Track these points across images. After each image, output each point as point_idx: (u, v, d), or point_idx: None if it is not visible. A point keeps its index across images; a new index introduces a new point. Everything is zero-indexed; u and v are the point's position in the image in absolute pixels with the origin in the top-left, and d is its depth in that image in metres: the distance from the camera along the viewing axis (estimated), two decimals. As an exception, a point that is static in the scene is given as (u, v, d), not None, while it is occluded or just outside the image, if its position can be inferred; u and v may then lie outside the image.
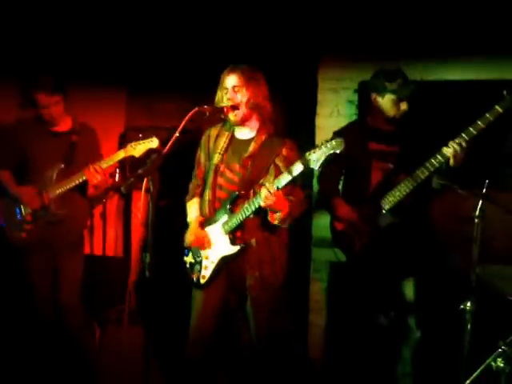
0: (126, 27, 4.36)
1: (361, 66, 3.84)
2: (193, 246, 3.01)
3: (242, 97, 2.87)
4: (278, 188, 2.69)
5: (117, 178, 4.67)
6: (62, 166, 3.42)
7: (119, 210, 4.98)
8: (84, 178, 3.35)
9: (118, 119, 4.92)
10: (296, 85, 4.12)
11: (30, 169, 3.48)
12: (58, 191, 3.40)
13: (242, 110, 2.88)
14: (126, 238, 4.97)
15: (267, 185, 2.71)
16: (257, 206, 2.76)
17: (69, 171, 3.42)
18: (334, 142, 2.59)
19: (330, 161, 2.61)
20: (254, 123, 2.96)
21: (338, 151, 2.58)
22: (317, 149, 2.60)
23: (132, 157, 3.35)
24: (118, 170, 4.64)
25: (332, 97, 4.05)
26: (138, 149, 3.32)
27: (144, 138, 3.32)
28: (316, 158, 2.60)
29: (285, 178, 2.69)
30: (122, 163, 4.52)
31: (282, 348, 3.06)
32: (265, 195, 2.70)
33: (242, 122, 2.93)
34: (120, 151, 3.37)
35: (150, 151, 3.40)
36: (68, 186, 3.39)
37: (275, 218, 2.80)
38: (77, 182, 3.38)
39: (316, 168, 2.61)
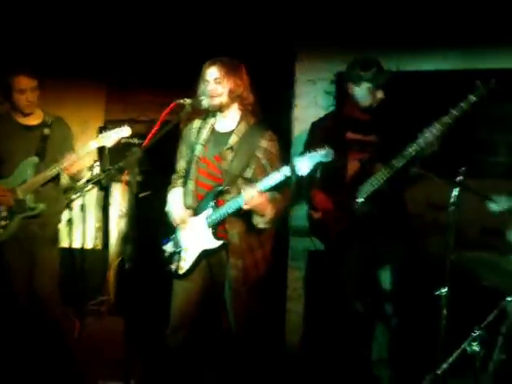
0: (104, 22, 4.33)
1: (337, 57, 3.88)
2: (180, 228, 3.01)
3: (223, 88, 2.89)
4: (261, 191, 2.72)
5: (96, 171, 4.66)
6: (37, 160, 3.40)
7: (98, 203, 4.97)
8: (57, 169, 3.34)
9: (98, 113, 4.91)
10: (273, 76, 4.13)
11: (0, 163, 3.45)
12: (33, 185, 3.38)
13: (222, 99, 2.90)
14: (105, 230, 4.96)
15: (250, 187, 2.74)
16: (240, 205, 2.79)
17: (41, 165, 3.40)
18: (323, 151, 2.64)
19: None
20: (236, 114, 2.98)
21: (326, 160, 2.63)
22: (305, 156, 2.65)
23: (106, 148, 3.36)
24: (96, 163, 4.64)
25: (309, 88, 4.08)
26: (109, 138, 3.32)
27: (117, 129, 3.33)
28: (303, 165, 2.63)
29: (268, 182, 2.72)
30: (101, 156, 4.51)
31: (261, 335, 3.09)
32: (247, 198, 2.74)
33: (222, 110, 2.95)
34: (91, 142, 3.36)
35: (132, 144, 3.40)
36: (43, 180, 3.38)
37: (259, 222, 2.84)
38: (51, 174, 3.37)
39: (303, 175, 2.64)
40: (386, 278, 3.30)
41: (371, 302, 3.36)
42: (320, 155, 2.65)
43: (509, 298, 2.66)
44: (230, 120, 2.98)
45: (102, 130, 3.49)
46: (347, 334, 3.32)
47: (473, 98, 2.96)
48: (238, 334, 2.99)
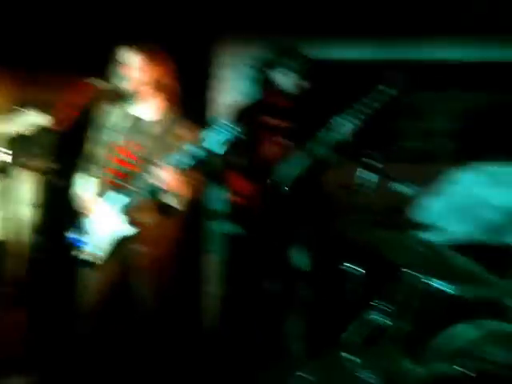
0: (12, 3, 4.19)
1: (258, 42, 3.92)
2: (85, 220, 2.98)
3: (146, 75, 2.88)
4: (173, 168, 2.73)
5: (3, 158, 4.50)
6: None
7: (3, 191, 4.80)
8: None
9: (6, 96, 4.74)
10: (193, 60, 4.13)
11: None
12: None
13: (142, 88, 2.89)
14: (12, 220, 4.79)
15: (161, 164, 2.74)
16: (153, 186, 2.79)
17: None
18: (231, 126, 2.68)
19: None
20: (157, 102, 2.96)
21: (235, 135, 2.67)
22: (213, 131, 2.66)
23: (16, 133, 3.26)
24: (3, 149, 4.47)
25: (229, 72, 4.12)
26: (18, 123, 3.24)
27: (24, 113, 3.24)
28: (212, 139, 2.66)
29: (179, 159, 2.73)
30: (13, 141, 4.38)
31: (176, 321, 3.09)
32: (161, 177, 2.74)
33: (143, 97, 2.93)
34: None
35: (41, 129, 3.32)
36: None
37: (173, 202, 2.86)
38: None
39: (215, 150, 2.67)
40: (302, 258, 3.38)
41: (287, 281, 3.43)
42: (228, 130, 2.68)
43: (408, 271, 2.82)
44: (150, 108, 2.97)
45: (11, 114, 3.39)
46: (264, 313, 3.38)
47: (390, 91, 3.08)
48: (152, 321, 2.98)
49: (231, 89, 4.09)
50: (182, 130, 2.93)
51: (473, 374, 2.54)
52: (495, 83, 4.24)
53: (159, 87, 2.94)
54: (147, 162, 2.89)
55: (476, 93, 4.29)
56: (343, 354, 2.88)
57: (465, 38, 4.10)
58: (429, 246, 3.00)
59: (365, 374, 2.80)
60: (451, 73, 4.19)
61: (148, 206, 2.90)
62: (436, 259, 2.97)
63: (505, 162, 4.06)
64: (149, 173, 2.84)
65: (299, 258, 3.37)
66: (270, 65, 3.37)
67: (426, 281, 2.85)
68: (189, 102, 3.08)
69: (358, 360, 2.86)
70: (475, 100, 4.32)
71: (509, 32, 4.03)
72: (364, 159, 3.11)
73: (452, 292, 2.82)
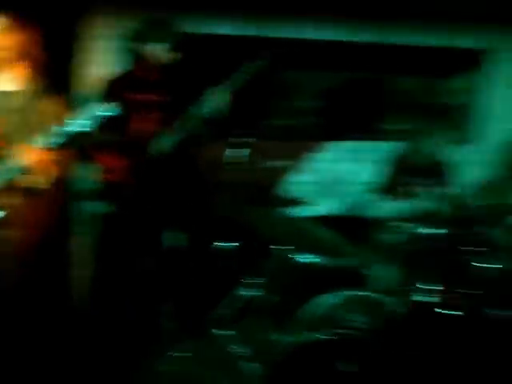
0: None
1: (128, 14, 3.84)
2: None
3: (6, 43, 2.72)
4: (39, 146, 2.63)
5: None
6: None
7: None
8: None
9: None
10: (60, 32, 3.96)
11: None
12: None
13: (4, 54, 2.74)
14: None
15: (26, 142, 2.63)
16: (18, 166, 2.67)
17: None
18: (101, 100, 2.62)
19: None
20: (20, 73, 2.81)
21: (104, 109, 2.60)
22: (83, 111, 2.58)
23: None
24: None
25: (99, 45, 4.00)
26: None
27: None
28: (81, 115, 2.58)
29: (45, 136, 2.63)
30: None
31: (45, 303, 3.02)
32: (26, 156, 2.63)
33: (2, 67, 2.78)
34: None
35: None
36: None
37: (39, 183, 2.74)
38: None
39: (83, 126, 2.59)
40: (176, 235, 3.41)
41: (161, 260, 3.46)
42: (98, 105, 2.61)
43: (276, 245, 2.97)
44: (12, 79, 2.82)
45: None
46: (137, 293, 3.39)
47: (260, 65, 3.16)
48: (19, 306, 2.88)
49: (101, 62, 3.97)
50: (48, 104, 2.82)
51: (335, 338, 2.75)
52: (361, 63, 4.48)
53: (20, 55, 2.79)
54: (9, 139, 2.76)
55: (342, 72, 4.51)
56: (215, 331, 2.98)
57: (332, 18, 4.27)
58: (295, 220, 3.17)
59: (236, 348, 2.93)
60: (319, 52, 4.36)
61: (11, 187, 2.78)
62: (301, 233, 3.14)
63: (365, 140, 4.36)
64: (12, 151, 2.73)
65: (173, 236, 3.40)
66: (140, 37, 3.33)
67: (292, 254, 3.01)
68: (56, 75, 2.96)
69: (230, 334, 2.98)
70: (340, 79, 4.54)
71: (374, 15, 4.26)
72: (234, 136, 3.19)
73: (316, 263, 3.01)
